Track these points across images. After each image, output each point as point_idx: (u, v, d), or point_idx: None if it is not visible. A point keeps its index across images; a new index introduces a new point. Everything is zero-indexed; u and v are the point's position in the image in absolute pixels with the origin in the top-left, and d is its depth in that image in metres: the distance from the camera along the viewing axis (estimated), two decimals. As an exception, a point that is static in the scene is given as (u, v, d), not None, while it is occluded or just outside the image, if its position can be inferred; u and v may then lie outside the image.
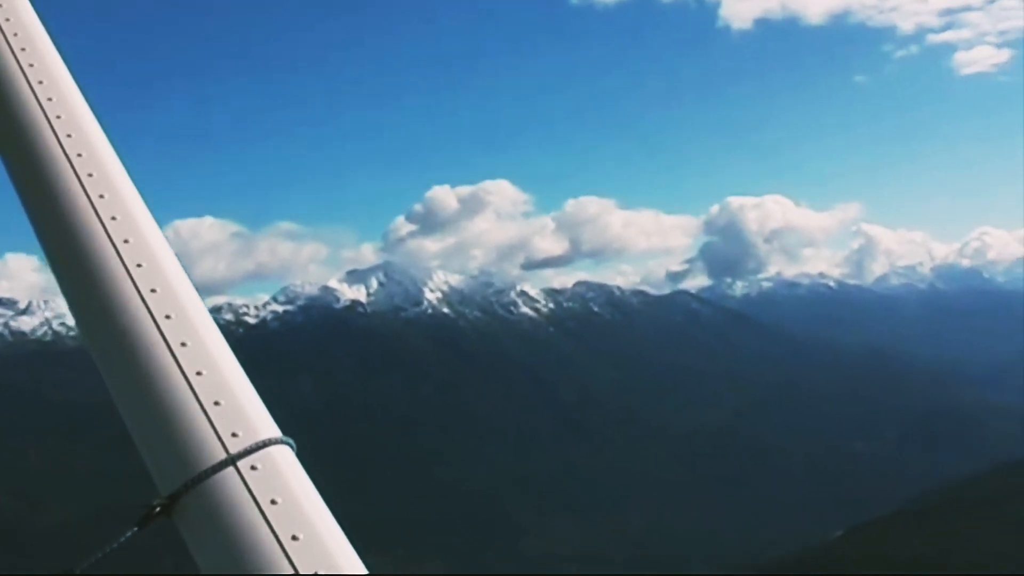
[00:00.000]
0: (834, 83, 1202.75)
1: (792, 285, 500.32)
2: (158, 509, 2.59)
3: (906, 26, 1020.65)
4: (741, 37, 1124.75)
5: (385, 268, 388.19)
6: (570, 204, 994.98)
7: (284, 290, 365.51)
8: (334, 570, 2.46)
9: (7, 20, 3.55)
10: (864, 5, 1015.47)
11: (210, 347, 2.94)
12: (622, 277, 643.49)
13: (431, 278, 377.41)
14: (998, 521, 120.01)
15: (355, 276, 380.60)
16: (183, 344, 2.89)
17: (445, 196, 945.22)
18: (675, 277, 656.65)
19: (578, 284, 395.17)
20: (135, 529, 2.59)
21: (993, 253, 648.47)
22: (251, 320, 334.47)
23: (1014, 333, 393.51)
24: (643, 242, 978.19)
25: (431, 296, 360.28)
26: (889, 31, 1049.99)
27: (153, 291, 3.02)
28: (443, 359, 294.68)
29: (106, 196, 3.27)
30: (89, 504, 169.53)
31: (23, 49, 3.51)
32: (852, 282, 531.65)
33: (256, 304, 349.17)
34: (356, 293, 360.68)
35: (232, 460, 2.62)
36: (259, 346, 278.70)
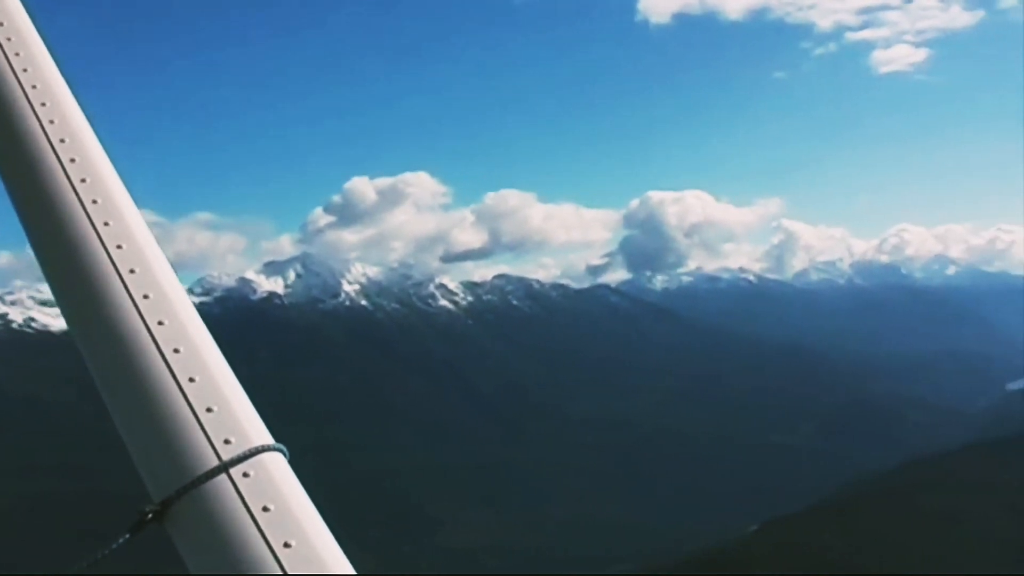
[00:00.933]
0: (754, 79, 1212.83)
1: (712, 279, 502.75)
2: (150, 515, 2.57)
3: (824, 24, 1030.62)
4: (660, 31, 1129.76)
5: (303, 260, 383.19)
6: (490, 197, 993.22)
7: (200, 281, 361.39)
8: None
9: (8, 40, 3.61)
10: (782, 2, 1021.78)
11: (203, 353, 2.92)
12: (543, 270, 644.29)
13: (349, 270, 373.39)
14: (910, 514, 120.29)
15: (273, 267, 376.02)
16: (176, 350, 2.87)
17: (364, 188, 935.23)
18: (595, 271, 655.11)
19: (497, 277, 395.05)
20: (127, 536, 2.55)
21: (911, 249, 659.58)
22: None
23: (931, 328, 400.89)
24: (563, 235, 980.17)
25: (349, 288, 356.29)
26: (807, 28, 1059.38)
27: (146, 297, 3.00)
28: (361, 351, 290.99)
29: (99, 202, 3.25)
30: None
31: (17, 54, 3.59)
32: (772, 277, 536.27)
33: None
34: (273, 285, 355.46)
35: (224, 467, 2.60)
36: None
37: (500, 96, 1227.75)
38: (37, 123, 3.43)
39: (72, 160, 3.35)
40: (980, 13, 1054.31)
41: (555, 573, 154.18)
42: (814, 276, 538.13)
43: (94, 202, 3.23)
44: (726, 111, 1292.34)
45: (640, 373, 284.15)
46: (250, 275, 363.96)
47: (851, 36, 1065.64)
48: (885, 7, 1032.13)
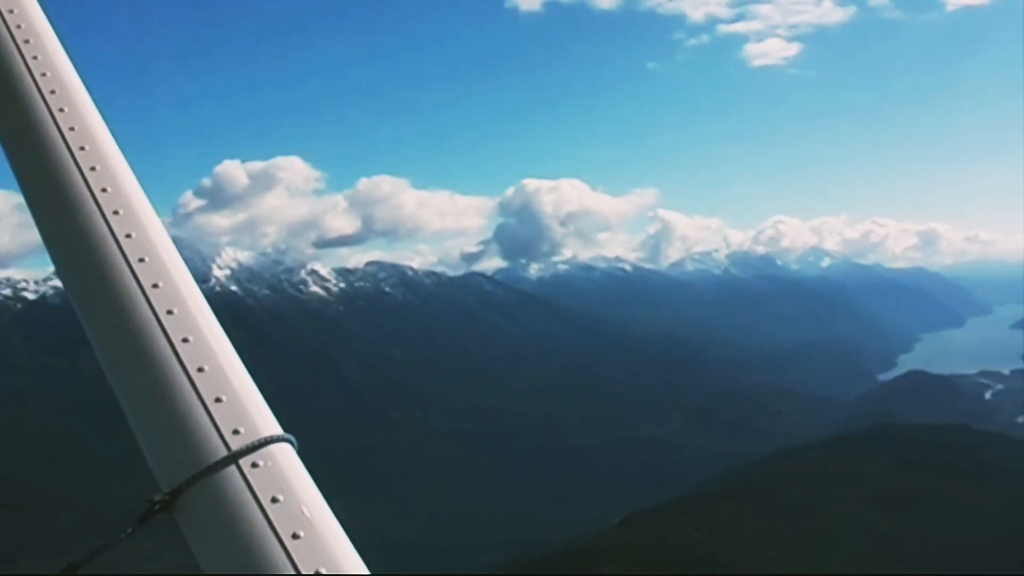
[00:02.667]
0: (627, 69, 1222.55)
1: (588, 268, 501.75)
2: (159, 505, 2.57)
3: (696, 15, 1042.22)
4: (530, 19, 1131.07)
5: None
6: (363, 183, 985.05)
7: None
8: (335, 569, 2.45)
9: (18, 27, 3.62)
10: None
11: (212, 343, 2.94)
12: (421, 257, 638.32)
13: (220, 255, 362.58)
14: (770, 507, 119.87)
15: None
16: (185, 340, 2.88)
17: (235, 171, 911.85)
18: (470, 258, 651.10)
19: (370, 264, 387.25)
20: (136, 525, 2.57)
21: (787, 241, 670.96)
22: (30, 296, 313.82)
23: (805, 319, 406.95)
24: (438, 223, 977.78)
25: (219, 273, 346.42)
26: (679, 19, 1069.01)
27: (155, 286, 3.01)
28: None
29: (109, 190, 3.27)
30: None
31: (27, 41, 3.58)
32: (648, 267, 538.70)
33: (36, 278, 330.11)
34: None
35: (234, 457, 2.60)
36: (38, 322, 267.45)
37: (373, 82, 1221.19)
38: (50, 117, 3.44)
39: (82, 148, 3.37)
40: (852, 9, 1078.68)
41: (422, 563, 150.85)
42: (690, 266, 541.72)
43: (104, 191, 3.26)
44: (600, 100, 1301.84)
45: (513, 362, 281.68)
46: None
47: (724, 28, 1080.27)
48: (757, 0, 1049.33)
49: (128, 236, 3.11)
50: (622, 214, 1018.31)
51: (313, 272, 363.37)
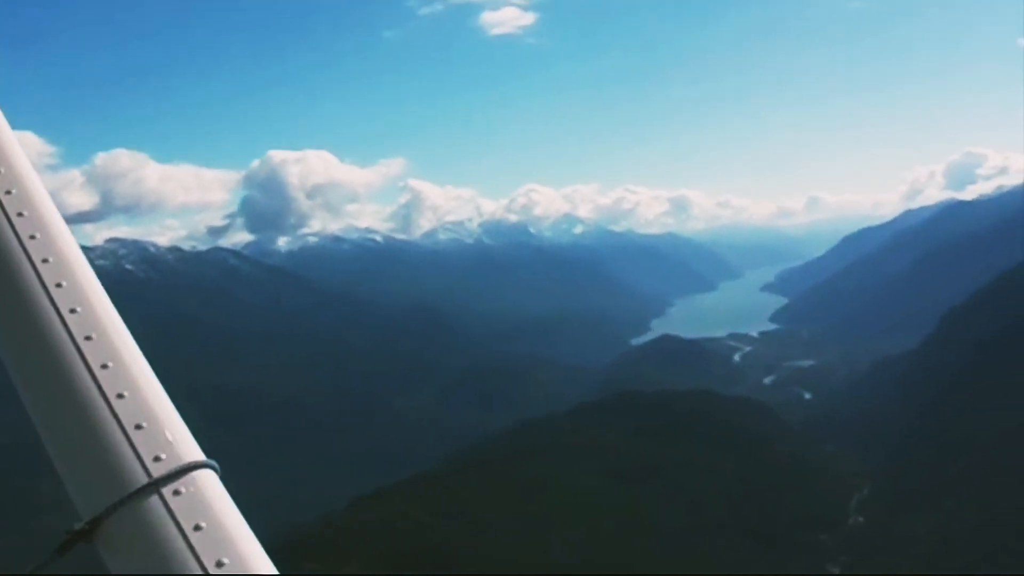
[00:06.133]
0: (364, 38, 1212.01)
1: (338, 240, 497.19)
2: (78, 535, 2.52)
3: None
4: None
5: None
6: (100, 157, 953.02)
7: None
8: None
9: None
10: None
11: (132, 369, 2.87)
12: (171, 232, 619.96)
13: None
14: (507, 482, 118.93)
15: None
16: (104, 366, 2.81)
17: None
18: (217, 232, 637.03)
19: (110, 241, 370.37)
20: (55, 555, 2.52)
21: (539, 209, 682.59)
22: None
23: (558, 287, 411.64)
24: (182, 196, 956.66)
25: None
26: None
27: (73, 311, 2.94)
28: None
29: (25, 214, 3.20)
30: None
31: None
32: (400, 237, 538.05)
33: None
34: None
35: (155, 485, 2.56)
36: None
37: (107, 54, 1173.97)
38: None
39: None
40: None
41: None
42: (442, 236, 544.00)
43: (20, 215, 3.18)
44: (341, 70, 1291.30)
45: (260, 339, 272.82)
46: None
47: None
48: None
49: (45, 261, 3.04)
50: (370, 185, 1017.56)
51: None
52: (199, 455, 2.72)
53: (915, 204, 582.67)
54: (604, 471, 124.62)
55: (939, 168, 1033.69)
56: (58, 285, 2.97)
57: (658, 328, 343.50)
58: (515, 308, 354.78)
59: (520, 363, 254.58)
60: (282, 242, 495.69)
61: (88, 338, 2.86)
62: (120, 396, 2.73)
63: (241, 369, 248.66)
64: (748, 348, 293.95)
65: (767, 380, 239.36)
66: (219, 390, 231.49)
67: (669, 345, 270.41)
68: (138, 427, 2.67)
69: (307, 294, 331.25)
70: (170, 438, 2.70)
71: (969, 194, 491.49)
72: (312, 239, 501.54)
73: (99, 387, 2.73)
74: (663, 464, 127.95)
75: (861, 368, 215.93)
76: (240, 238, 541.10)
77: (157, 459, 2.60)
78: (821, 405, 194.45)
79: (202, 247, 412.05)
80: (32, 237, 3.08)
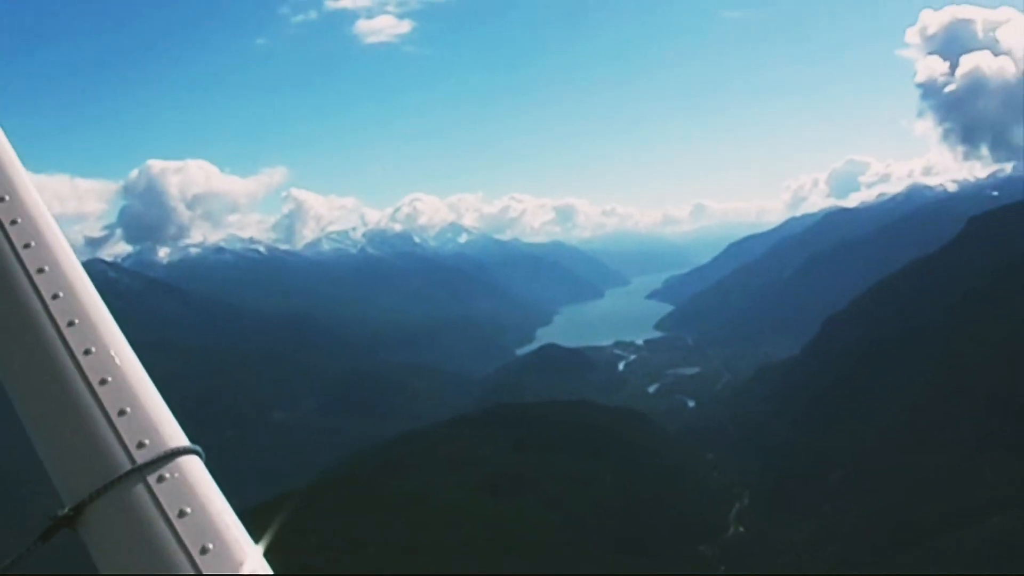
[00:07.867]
0: (237, 47, 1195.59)
1: (220, 251, 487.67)
2: (61, 521, 2.49)
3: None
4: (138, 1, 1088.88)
5: None
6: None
7: None
8: None
9: None
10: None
11: (115, 355, 2.84)
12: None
13: None
14: (378, 498, 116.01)
15: None
16: (87, 352, 2.79)
17: None
18: (95, 244, 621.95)
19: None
20: (38, 542, 2.50)
21: (424, 218, 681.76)
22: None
23: (443, 295, 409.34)
24: (57, 207, 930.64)
25: None
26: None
27: (56, 296, 2.91)
28: None
29: (7, 199, 3.15)
30: None
31: None
32: (283, 247, 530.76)
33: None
34: None
35: (139, 471, 2.54)
36: None
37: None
38: None
39: None
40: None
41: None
42: (326, 246, 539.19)
43: (1, 200, 3.13)
44: (217, 79, 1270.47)
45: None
46: None
47: (331, 4, 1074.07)
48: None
49: (27, 246, 3.01)
50: (252, 195, 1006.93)
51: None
52: (183, 440, 2.70)
53: (799, 211, 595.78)
54: (477, 484, 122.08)
55: (823, 176, 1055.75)
56: (40, 271, 2.94)
57: (543, 337, 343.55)
58: (400, 317, 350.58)
59: (403, 372, 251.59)
60: (163, 253, 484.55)
61: (71, 323, 2.82)
62: (103, 382, 2.71)
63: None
64: (633, 356, 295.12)
65: (651, 388, 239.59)
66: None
67: (553, 354, 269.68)
68: (122, 413, 2.64)
69: (187, 306, 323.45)
70: (154, 424, 2.68)
71: (852, 201, 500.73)
72: (194, 250, 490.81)
73: (82, 373, 2.71)
74: (539, 476, 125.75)
75: (744, 375, 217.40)
76: (119, 249, 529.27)
77: (141, 445, 2.58)
78: (704, 413, 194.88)
79: (80, 258, 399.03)
80: (13, 223, 3.05)
